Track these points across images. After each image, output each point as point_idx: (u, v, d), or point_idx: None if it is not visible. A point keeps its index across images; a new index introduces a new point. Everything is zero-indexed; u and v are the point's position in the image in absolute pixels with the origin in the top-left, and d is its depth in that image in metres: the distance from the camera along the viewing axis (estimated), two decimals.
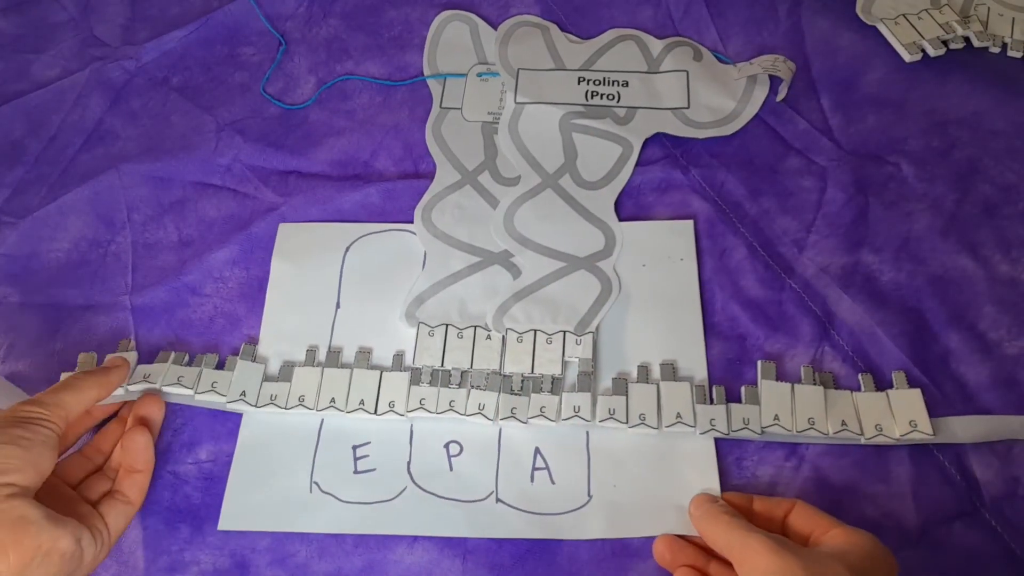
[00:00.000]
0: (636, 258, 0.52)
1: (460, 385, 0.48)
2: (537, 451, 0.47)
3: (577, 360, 0.49)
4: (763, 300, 0.51)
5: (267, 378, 0.50)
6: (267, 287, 0.54)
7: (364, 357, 0.50)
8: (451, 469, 0.47)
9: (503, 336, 0.50)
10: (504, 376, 0.49)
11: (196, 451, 0.49)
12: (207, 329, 0.53)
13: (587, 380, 0.48)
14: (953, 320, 0.49)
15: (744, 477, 0.45)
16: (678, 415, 0.46)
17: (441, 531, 0.45)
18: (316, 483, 0.47)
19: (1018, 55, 0.58)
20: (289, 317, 0.52)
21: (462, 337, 0.50)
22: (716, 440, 0.46)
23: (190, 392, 0.48)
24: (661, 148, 0.57)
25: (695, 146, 0.57)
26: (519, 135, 0.58)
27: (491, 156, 0.58)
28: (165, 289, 0.54)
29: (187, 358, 0.51)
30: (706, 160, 0.56)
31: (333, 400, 0.48)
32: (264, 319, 0.52)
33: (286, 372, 0.50)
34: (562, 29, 0.64)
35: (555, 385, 0.48)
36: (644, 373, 0.48)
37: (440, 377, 0.49)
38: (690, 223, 0.53)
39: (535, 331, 0.50)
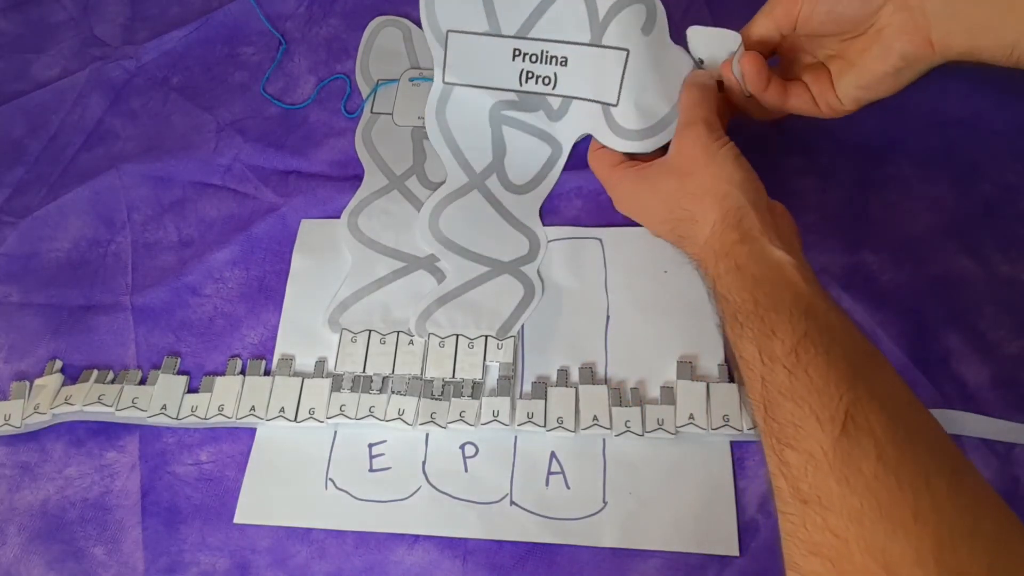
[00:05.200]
0: (658, 265, 0.52)
1: (381, 391, 0.49)
2: (553, 455, 0.47)
3: (498, 364, 0.49)
4: None
5: (190, 390, 0.50)
6: (286, 282, 0.54)
7: (286, 364, 0.50)
8: (466, 470, 0.47)
9: (425, 341, 0.50)
10: (425, 381, 0.49)
11: (196, 452, 0.49)
12: (207, 329, 0.53)
13: (507, 384, 0.48)
14: (953, 320, 0.49)
15: (746, 477, 0.45)
16: (594, 418, 0.47)
17: (454, 532, 0.45)
18: (331, 480, 0.47)
19: None
20: (308, 312, 0.52)
21: (384, 343, 0.50)
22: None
23: (111, 410, 0.48)
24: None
25: None
26: (447, 123, 0.55)
27: (419, 161, 0.58)
28: (165, 289, 0.54)
29: (111, 376, 0.51)
30: None
31: (253, 408, 0.48)
32: (283, 313, 0.53)
33: (207, 383, 0.50)
34: None
35: (475, 389, 0.48)
36: (563, 376, 0.49)
37: (361, 383, 0.49)
38: None
39: (457, 336, 0.50)
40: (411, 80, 0.62)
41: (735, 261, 0.40)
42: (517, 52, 0.53)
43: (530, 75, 0.53)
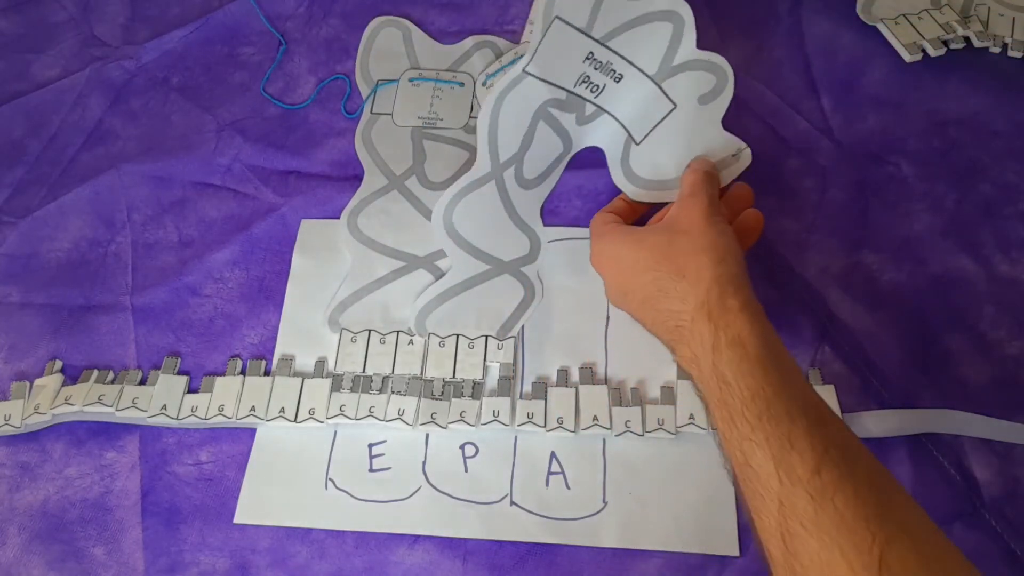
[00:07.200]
0: None
1: (381, 391, 0.49)
2: (553, 456, 0.47)
3: (498, 364, 0.49)
4: (763, 300, 0.50)
5: (190, 390, 0.50)
6: (286, 282, 0.54)
7: (286, 364, 0.50)
8: (466, 471, 0.47)
9: (425, 341, 0.50)
10: (425, 381, 0.49)
11: (196, 452, 0.49)
12: (207, 330, 0.53)
13: (507, 384, 0.48)
14: (953, 320, 0.49)
15: None
16: (595, 418, 0.47)
17: (454, 532, 0.45)
18: (331, 480, 0.47)
19: (1018, 55, 0.58)
20: (308, 312, 0.52)
21: (384, 343, 0.50)
22: None
23: (111, 410, 0.48)
24: None
25: None
26: (500, 109, 0.52)
27: (419, 161, 0.58)
28: (165, 289, 0.54)
29: (111, 376, 0.51)
30: None
31: (253, 408, 0.48)
32: (283, 313, 0.53)
33: (207, 383, 0.50)
34: None
35: (475, 389, 0.48)
36: (563, 377, 0.49)
37: (361, 383, 0.49)
38: None
39: (457, 336, 0.50)
40: (411, 80, 0.62)
41: (737, 332, 0.36)
42: (590, 55, 0.50)
43: (586, 79, 0.51)
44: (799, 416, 0.33)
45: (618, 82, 0.51)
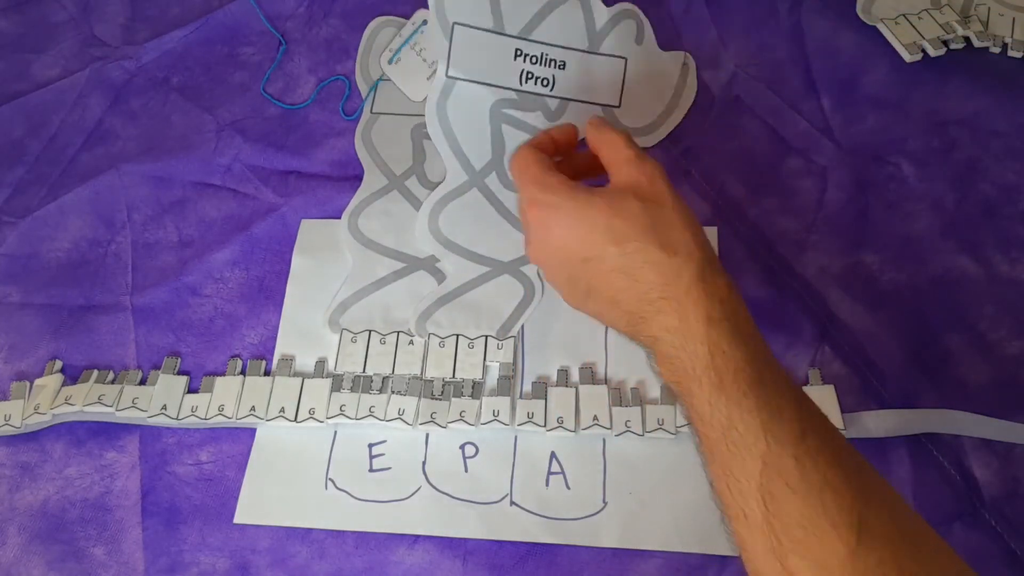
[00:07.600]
0: None
1: (381, 391, 0.49)
2: (553, 455, 0.47)
3: (498, 364, 0.49)
4: (763, 300, 0.51)
5: (190, 390, 0.50)
6: (286, 282, 0.54)
7: (286, 364, 0.50)
8: (466, 471, 0.47)
9: (425, 341, 0.50)
10: (425, 381, 0.49)
11: (196, 452, 0.49)
12: (207, 330, 0.53)
13: (507, 384, 0.48)
14: (953, 320, 0.49)
15: None
16: (595, 417, 0.47)
17: (454, 532, 0.45)
18: (331, 480, 0.47)
19: (1018, 55, 0.58)
20: (308, 312, 0.53)
21: (384, 343, 0.50)
22: None
23: (111, 410, 0.48)
24: (660, 148, 0.57)
25: (695, 145, 0.57)
26: (447, 119, 0.54)
27: (419, 161, 0.58)
28: (165, 289, 0.54)
29: (111, 376, 0.51)
30: (706, 160, 0.56)
31: (253, 408, 0.48)
32: (283, 313, 0.53)
33: (207, 383, 0.50)
34: None
35: (475, 389, 0.48)
36: (564, 376, 0.49)
37: (361, 383, 0.49)
38: (713, 229, 0.53)
39: (457, 336, 0.50)
40: (389, 62, 0.62)
41: (732, 307, 0.37)
42: (519, 52, 0.54)
43: (530, 76, 0.55)
44: (785, 387, 0.35)
45: (563, 69, 0.55)
